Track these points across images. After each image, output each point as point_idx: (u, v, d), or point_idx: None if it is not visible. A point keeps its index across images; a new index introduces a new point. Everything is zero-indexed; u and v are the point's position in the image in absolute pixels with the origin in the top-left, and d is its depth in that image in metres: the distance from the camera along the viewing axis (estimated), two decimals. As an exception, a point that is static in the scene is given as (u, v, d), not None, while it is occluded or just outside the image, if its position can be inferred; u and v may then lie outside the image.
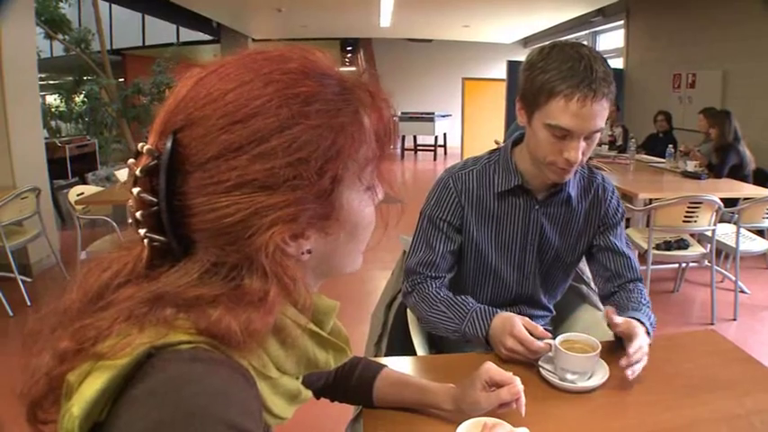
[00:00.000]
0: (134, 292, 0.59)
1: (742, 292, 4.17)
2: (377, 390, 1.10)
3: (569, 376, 1.17)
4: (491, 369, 1.04)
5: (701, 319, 3.90)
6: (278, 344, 0.66)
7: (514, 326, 1.28)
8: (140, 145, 0.61)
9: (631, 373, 1.18)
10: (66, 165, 7.45)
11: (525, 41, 13.96)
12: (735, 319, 3.82)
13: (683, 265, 4.35)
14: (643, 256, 3.72)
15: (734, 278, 3.93)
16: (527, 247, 1.55)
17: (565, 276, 1.64)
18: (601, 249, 1.56)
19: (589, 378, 1.18)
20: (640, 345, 1.22)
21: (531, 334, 1.27)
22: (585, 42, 10.75)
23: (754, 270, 4.78)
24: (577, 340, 1.23)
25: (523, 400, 1.01)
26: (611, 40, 10.02)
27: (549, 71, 1.28)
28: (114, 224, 3.73)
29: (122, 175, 4.81)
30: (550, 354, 1.23)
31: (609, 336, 1.52)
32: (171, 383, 0.53)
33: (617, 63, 9.38)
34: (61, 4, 11.52)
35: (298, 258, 0.64)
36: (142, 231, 0.60)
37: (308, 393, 0.73)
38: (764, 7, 5.76)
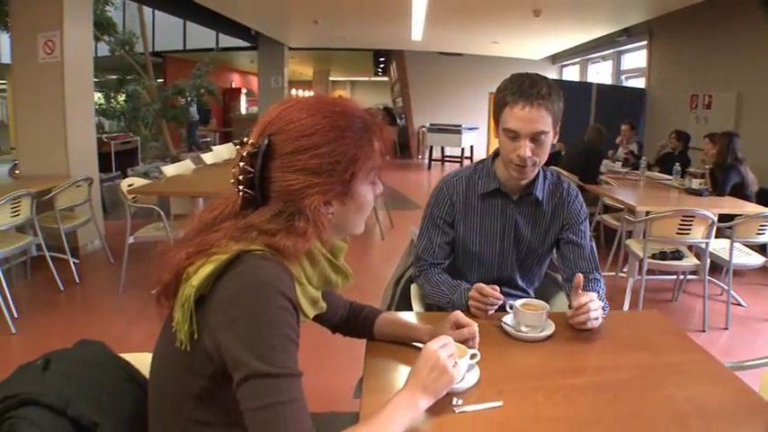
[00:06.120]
0: (232, 224, 1.04)
1: (738, 304, 4.40)
2: (377, 326, 1.49)
3: (524, 329, 1.53)
4: (458, 314, 1.43)
5: (695, 326, 4.10)
6: (308, 262, 1.09)
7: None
8: (244, 138, 1.07)
9: (590, 323, 1.51)
10: (111, 159, 7.94)
11: (553, 58, 14.13)
12: (726, 329, 4.04)
13: (682, 276, 4.60)
14: (640, 265, 4.01)
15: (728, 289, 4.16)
16: (505, 239, 1.94)
17: (539, 264, 2.01)
18: (565, 242, 1.93)
19: (540, 332, 1.53)
20: (588, 300, 1.52)
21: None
22: (610, 61, 10.95)
23: (755, 286, 4.98)
24: (532, 303, 1.58)
25: (477, 338, 1.39)
26: (634, 59, 10.23)
27: (503, 91, 1.72)
28: (161, 212, 4.11)
29: (168, 170, 5.27)
30: (510, 311, 1.58)
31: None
32: (250, 269, 0.96)
33: (639, 82, 9.57)
34: (107, 8, 12.06)
35: (326, 215, 1.06)
36: (240, 187, 1.04)
37: (324, 305, 1.15)
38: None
